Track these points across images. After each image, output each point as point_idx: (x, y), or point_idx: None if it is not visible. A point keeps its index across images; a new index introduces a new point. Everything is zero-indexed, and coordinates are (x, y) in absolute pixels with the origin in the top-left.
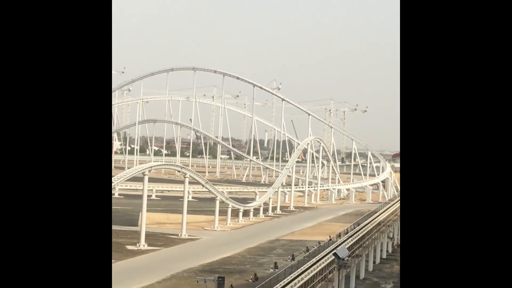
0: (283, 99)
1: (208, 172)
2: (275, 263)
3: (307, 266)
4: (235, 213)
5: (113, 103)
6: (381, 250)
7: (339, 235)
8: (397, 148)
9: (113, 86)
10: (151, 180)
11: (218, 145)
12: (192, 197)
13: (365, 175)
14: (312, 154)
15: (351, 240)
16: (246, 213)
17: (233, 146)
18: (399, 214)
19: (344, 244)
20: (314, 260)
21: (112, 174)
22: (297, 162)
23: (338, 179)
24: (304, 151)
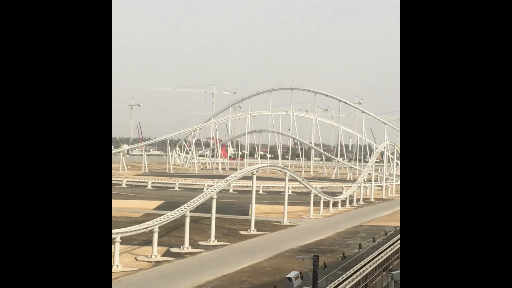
0: (363, 112)
1: (304, 171)
2: (360, 244)
3: (386, 247)
4: (326, 204)
5: (227, 117)
6: None
7: None
8: None
9: (227, 104)
10: (259, 178)
11: (312, 149)
12: (292, 192)
13: None
14: (388, 155)
15: None
16: (335, 204)
17: (323, 150)
18: None
19: None
20: (391, 242)
21: (227, 175)
22: (376, 162)
23: None
24: (382, 153)
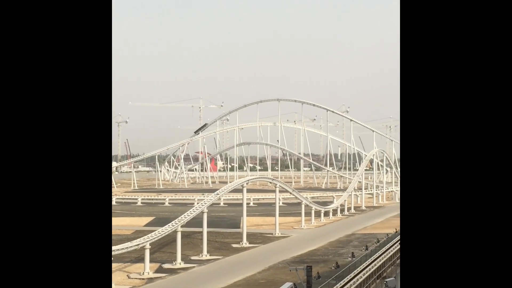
0: (351, 120)
1: (294, 182)
2: (352, 253)
3: (379, 254)
4: (317, 214)
5: (215, 131)
6: None
7: None
8: None
9: (215, 117)
10: (249, 190)
11: (301, 159)
12: (282, 203)
13: None
14: (377, 163)
15: None
16: (326, 214)
17: (313, 160)
18: None
19: None
20: (383, 249)
21: (217, 188)
22: (366, 170)
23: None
24: (371, 161)
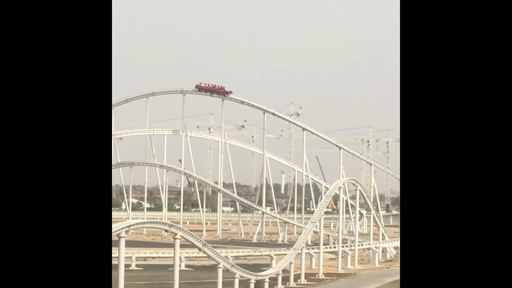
0: (304, 129)
1: (206, 230)
2: None
3: None
4: (244, 285)
5: None
6: None
7: None
8: None
9: None
10: (130, 244)
11: (219, 193)
12: (186, 266)
13: None
14: (346, 201)
15: None
16: (259, 285)
17: (238, 194)
18: None
19: None
20: None
21: None
22: (326, 213)
23: (383, 234)
24: (335, 198)
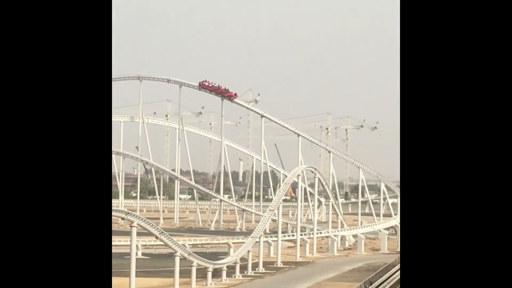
0: (262, 116)
1: (163, 218)
2: None
3: None
4: (201, 273)
5: None
6: None
7: None
8: None
9: None
10: None
11: (176, 181)
12: (142, 254)
13: (377, 215)
14: (305, 189)
15: None
16: (216, 273)
17: (196, 181)
18: None
19: None
20: None
21: None
22: (285, 200)
23: (342, 222)
24: (294, 186)
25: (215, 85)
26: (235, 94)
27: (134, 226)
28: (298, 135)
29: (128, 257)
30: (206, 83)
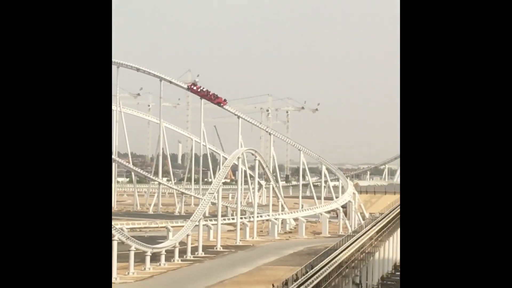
0: (201, 98)
1: None
2: None
3: None
4: (140, 257)
5: None
6: None
7: (285, 283)
8: (361, 160)
9: None
10: None
11: (113, 163)
12: None
13: (319, 198)
14: (245, 171)
15: None
16: (155, 257)
17: (134, 164)
18: (367, 250)
19: None
20: None
21: None
22: (224, 183)
23: (282, 205)
24: (234, 168)
25: (203, 90)
26: (225, 100)
27: None
28: (238, 117)
29: None
30: (195, 88)
